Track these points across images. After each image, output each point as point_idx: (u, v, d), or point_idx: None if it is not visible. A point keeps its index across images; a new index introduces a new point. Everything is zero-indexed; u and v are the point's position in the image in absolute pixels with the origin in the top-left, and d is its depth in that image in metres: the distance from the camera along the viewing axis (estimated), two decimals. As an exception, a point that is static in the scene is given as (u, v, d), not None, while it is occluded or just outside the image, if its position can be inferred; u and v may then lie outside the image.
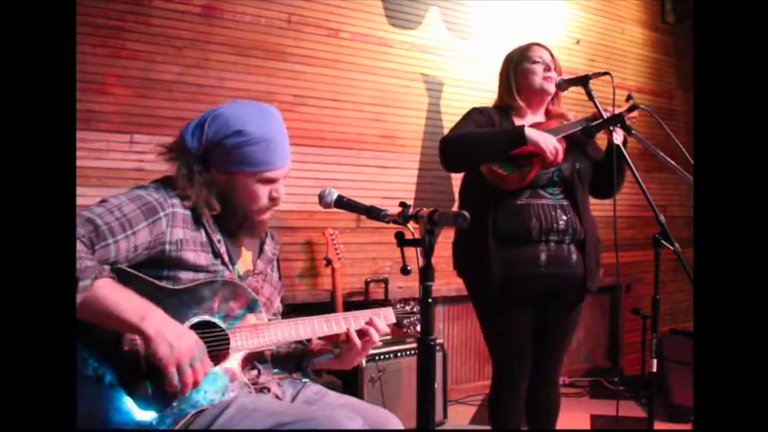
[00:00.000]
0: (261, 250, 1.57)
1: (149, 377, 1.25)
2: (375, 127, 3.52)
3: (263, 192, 1.42)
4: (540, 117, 2.17)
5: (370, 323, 1.51)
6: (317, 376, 1.66)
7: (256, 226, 1.47)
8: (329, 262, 3.06)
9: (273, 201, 1.45)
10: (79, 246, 1.19)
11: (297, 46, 3.25)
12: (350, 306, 3.18)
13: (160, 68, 2.88)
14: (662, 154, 1.86)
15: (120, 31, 2.78)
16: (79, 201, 1.24)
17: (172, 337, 1.19)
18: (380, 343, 1.70)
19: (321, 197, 1.41)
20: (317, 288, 3.28)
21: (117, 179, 2.74)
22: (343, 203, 1.40)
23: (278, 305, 1.63)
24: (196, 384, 1.23)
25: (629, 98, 2.09)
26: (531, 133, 1.95)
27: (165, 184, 1.40)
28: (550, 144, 1.94)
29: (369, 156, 3.49)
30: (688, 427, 3.24)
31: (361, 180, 3.44)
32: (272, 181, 1.43)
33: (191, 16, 2.96)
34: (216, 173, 1.41)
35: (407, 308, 1.68)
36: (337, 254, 3.07)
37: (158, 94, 2.87)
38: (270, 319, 1.56)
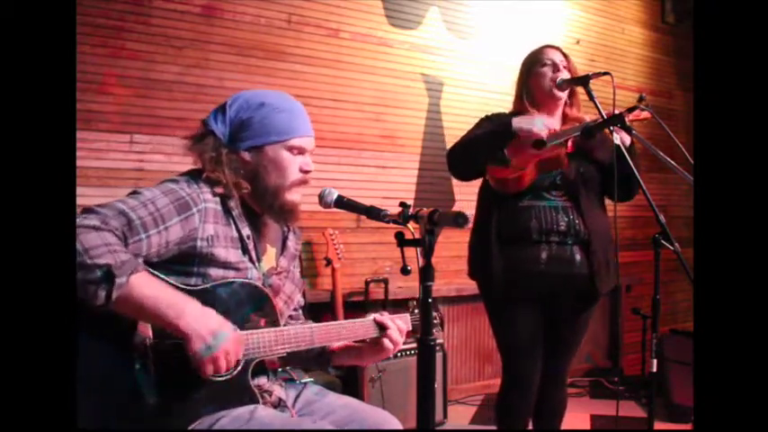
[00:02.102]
0: (284, 246, 1.56)
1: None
2: (375, 127, 3.52)
3: (293, 164, 1.43)
4: (555, 121, 2.11)
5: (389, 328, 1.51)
6: (334, 370, 1.66)
7: (287, 207, 1.44)
8: (329, 262, 3.06)
9: (304, 174, 1.45)
10: (113, 238, 1.18)
11: (297, 46, 3.25)
12: (350, 306, 3.18)
13: (160, 68, 2.88)
14: (662, 154, 1.86)
15: (120, 31, 2.79)
16: (79, 201, 1.23)
17: (207, 335, 1.20)
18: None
19: (321, 197, 1.41)
20: (316, 288, 3.28)
21: (117, 179, 2.74)
22: (343, 203, 1.40)
23: (298, 299, 1.61)
24: (226, 370, 1.26)
25: (641, 99, 2.05)
26: (517, 121, 1.94)
27: (196, 176, 1.39)
28: (540, 123, 1.92)
29: (369, 156, 3.49)
30: (688, 427, 3.24)
31: (361, 180, 3.45)
32: (300, 152, 1.44)
33: (191, 16, 2.96)
34: (244, 152, 1.41)
35: None
36: (337, 254, 3.07)
37: (158, 94, 2.87)
38: (290, 315, 1.56)
